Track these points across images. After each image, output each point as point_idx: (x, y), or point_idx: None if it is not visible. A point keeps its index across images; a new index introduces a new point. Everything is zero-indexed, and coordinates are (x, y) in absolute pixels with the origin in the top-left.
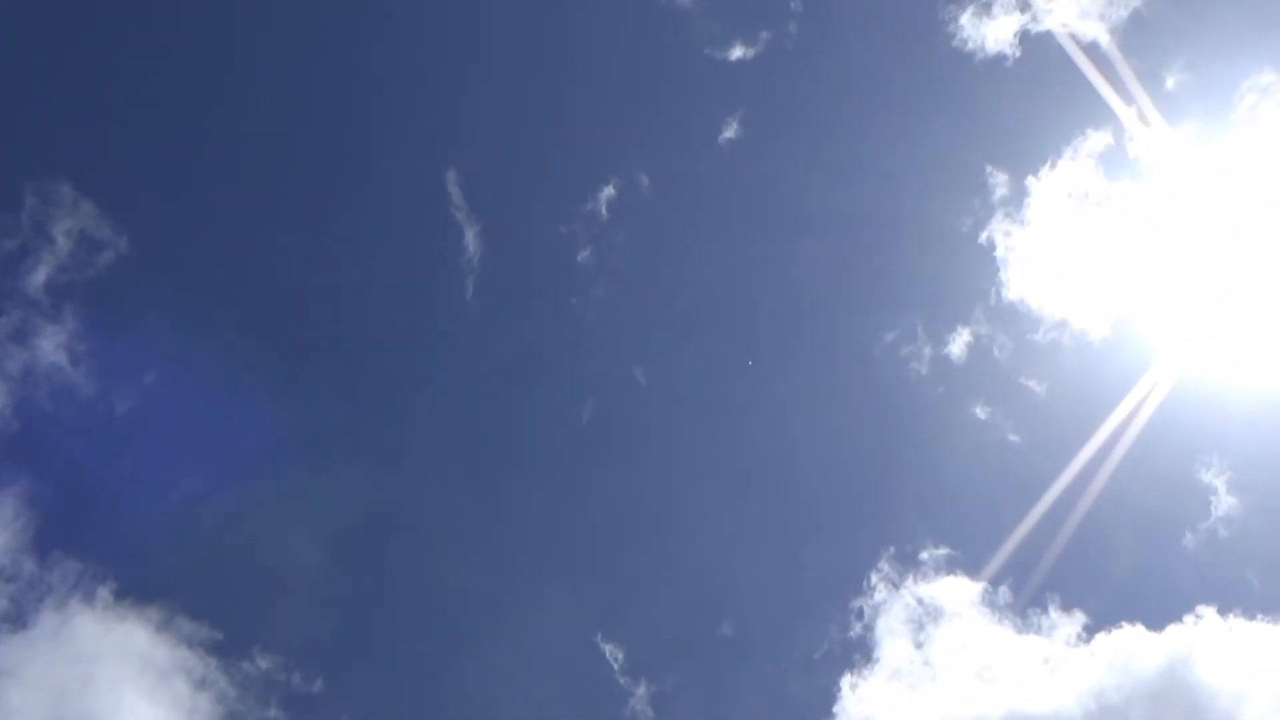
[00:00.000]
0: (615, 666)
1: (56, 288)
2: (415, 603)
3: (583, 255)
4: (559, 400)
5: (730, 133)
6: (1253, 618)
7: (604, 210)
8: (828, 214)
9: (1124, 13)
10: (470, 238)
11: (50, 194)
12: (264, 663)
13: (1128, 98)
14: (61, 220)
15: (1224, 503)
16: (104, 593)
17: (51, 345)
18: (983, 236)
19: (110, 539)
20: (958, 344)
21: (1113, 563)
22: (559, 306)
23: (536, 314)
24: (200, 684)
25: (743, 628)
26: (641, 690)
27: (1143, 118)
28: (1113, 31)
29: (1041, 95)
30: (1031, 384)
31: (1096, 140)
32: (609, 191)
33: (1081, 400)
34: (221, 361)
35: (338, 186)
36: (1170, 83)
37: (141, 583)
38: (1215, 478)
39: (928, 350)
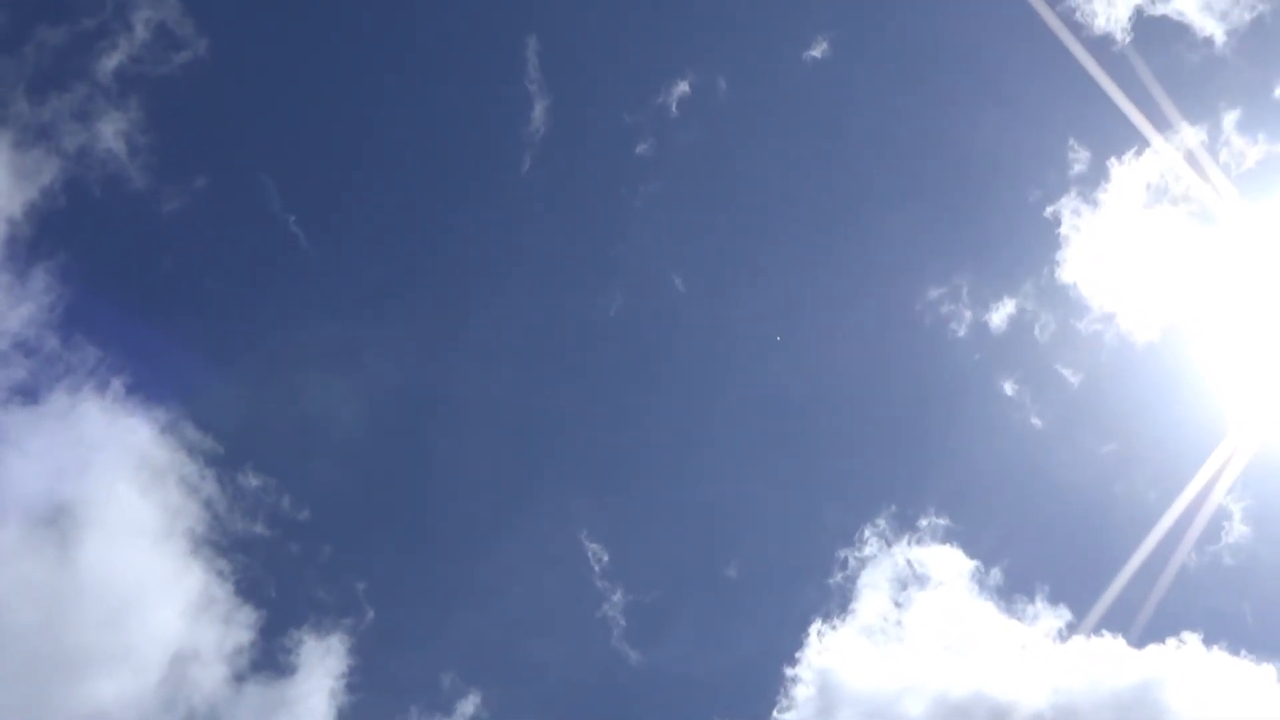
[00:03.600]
0: (596, 569)
1: (127, 76)
2: (422, 468)
3: (642, 148)
4: (591, 289)
5: (816, 52)
6: (1236, 653)
7: (674, 106)
8: (897, 153)
9: (1247, 15)
10: (538, 111)
11: None
12: (256, 481)
13: (1232, 100)
14: (143, 8)
15: (1236, 530)
16: (116, 385)
17: (111, 131)
18: (1049, 211)
19: (135, 335)
20: (1000, 314)
21: (1110, 568)
22: (610, 195)
23: (586, 199)
24: (193, 490)
25: (727, 557)
26: (618, 597)
27: (1244, 124)
28: (1230, 32)
29: (1143, 81)
30: (1066, 372)
31: (1190, 136)
32: (682, 88)
33: (1113, 399)
34: (278, 193)
35: (417, 34)
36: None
37: (155, 384)
38: (1233, 503)
39: (969, 314)
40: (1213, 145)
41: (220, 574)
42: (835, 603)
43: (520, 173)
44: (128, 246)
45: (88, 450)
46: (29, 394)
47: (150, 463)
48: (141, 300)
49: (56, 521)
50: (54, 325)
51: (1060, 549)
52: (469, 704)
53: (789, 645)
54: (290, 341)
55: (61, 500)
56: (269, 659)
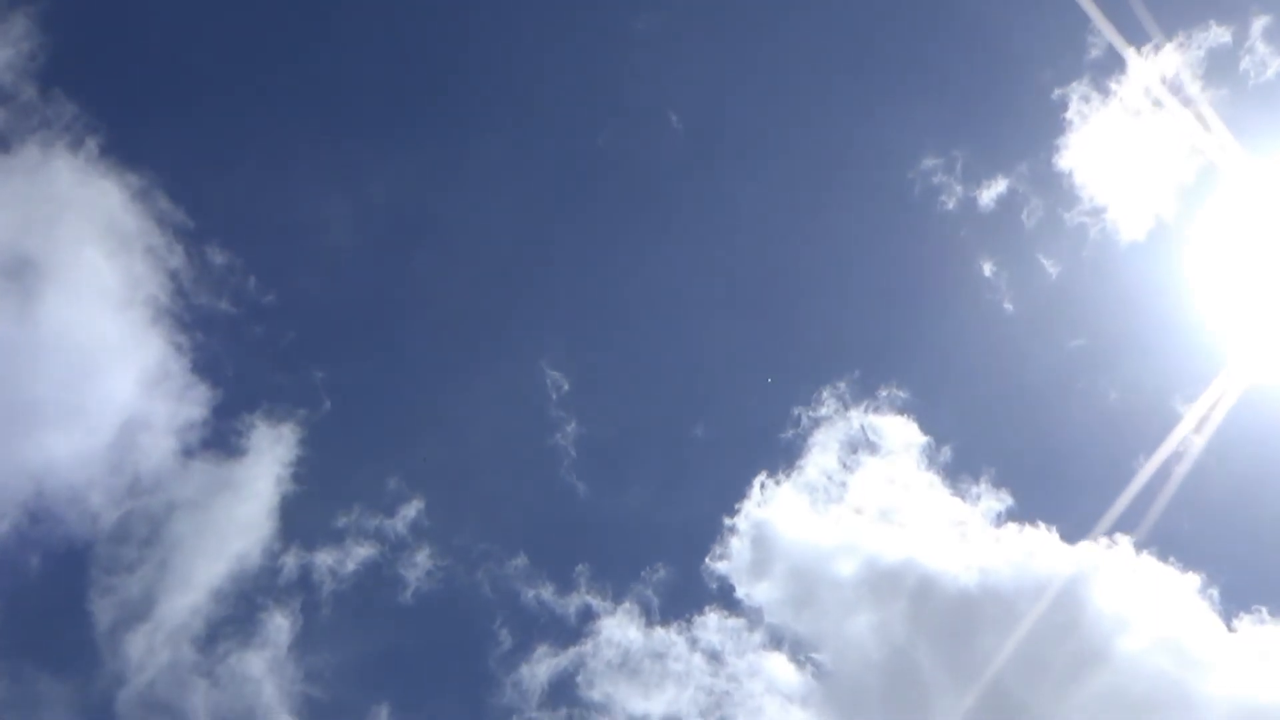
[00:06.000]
0: (554, 397)
1: None
2: (397, 277)
3: None
4: (583, 113)
5: None
6: (1164, 559)
7: None
8: (914, 16)
9: None
10: None
11: None
12: (223, 258)
13: (1265, 6)
14: None
15: (1190, 441)
16: (91, 145)
17: None
18: (1057, 93)
19: (116, 96)
20: (990, 193)
21: (1057, 462)
22: (612, 21)
23: (587, 20)
24: (159, 261)
25: (684, 401)
26: (571, 428)
27: (1271, 33)
28: None
29: None
30: (1047, 261)
31: (1215, 37)
32: None
33: (1089, 294)
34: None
35: None
36: None
37: (131, 149)
38: (1191, 415)
39: (960, 189)
40: (1236, 50)
41: (179, 348)
42: (783, 458)
43: None
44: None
45: (56, 207)
46: (1, 141)
47: (118, 228)
48: (129, 62)
49: (19, 275)
50: (32, 75)
51: (1012, 436)
52: (411, 509)
53: (731, 495)
54: (283, 137)
55: (25, 254)
56: (219, 439)
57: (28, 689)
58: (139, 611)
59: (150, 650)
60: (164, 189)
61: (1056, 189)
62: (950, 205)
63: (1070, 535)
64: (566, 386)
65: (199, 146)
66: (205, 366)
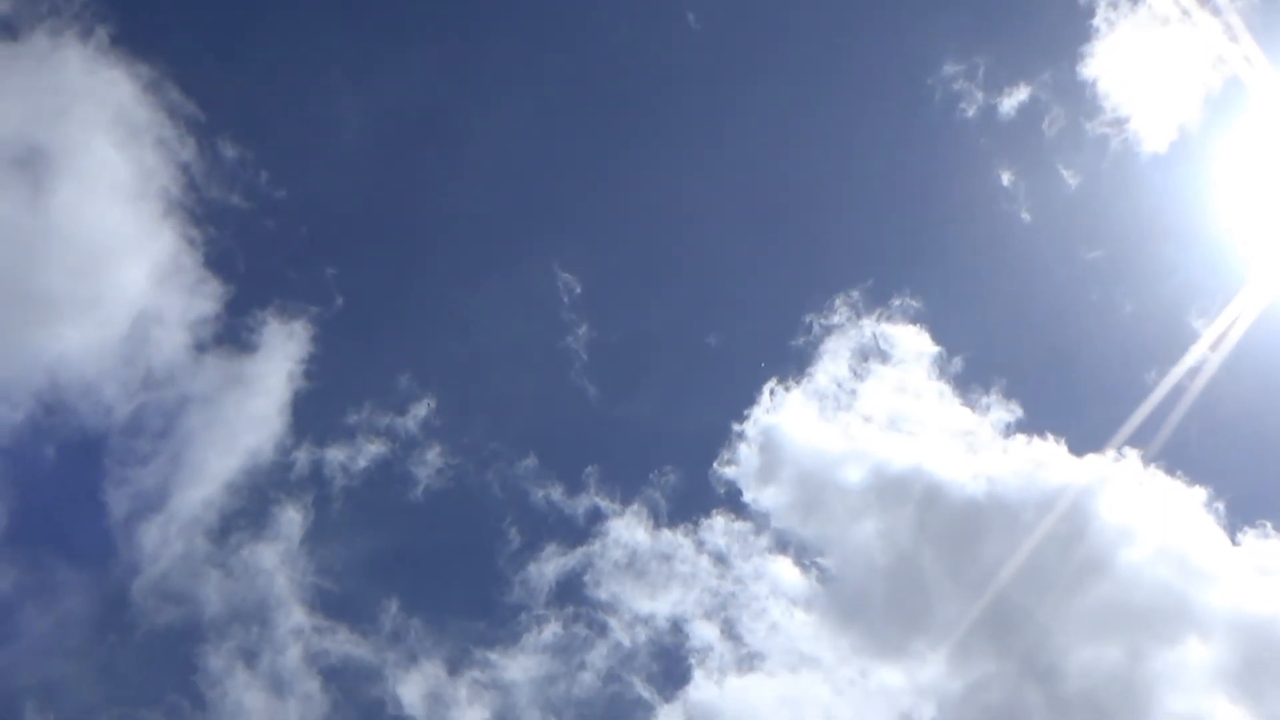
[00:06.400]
0: (565, 300)
1: None
2: (411, 176)
3: None
4: (599, 13)
5: None
6: (1172, 474)
7: None
8: None
9: None
10: None
11: None
12: (234, 152)
13: None
14: None
15: (1205, 356)
16: (102, 34)
17: None
18: None
19: None
20: (1012, 101)
21: (1069, 374)
22: None
23: None
24: (170, 153)
25: (696, 306)
26: (583, 331)
27: None
28: None
29: None
30: (1067, 172)
31: None
32: None
33: (1108, 206)
34: None
35: None
36: None
37: (144, 39)
38: (1207, 329)
39: (981, 97)
40: None
41: (191, 241)
42: (793, 365)
43: None
44: None
45: (66, 98)
46: (9, 29)
47: (128, 119)
48: None
49: (29, 165)
50: None
51: (1024, 348)
52: (422, 407)
53: (741, 401)
54: (297, 31)
55: (35, 144)
56: (231, 334)
57: (45, 578)
58: (153, 503)
59: (164, 541)
60: (175, 80)
61: (1079, 98)
62: (970, 113)
63: (1079, 448)
64: (578, 289)
65: (211, 38)
66: (217, 261)
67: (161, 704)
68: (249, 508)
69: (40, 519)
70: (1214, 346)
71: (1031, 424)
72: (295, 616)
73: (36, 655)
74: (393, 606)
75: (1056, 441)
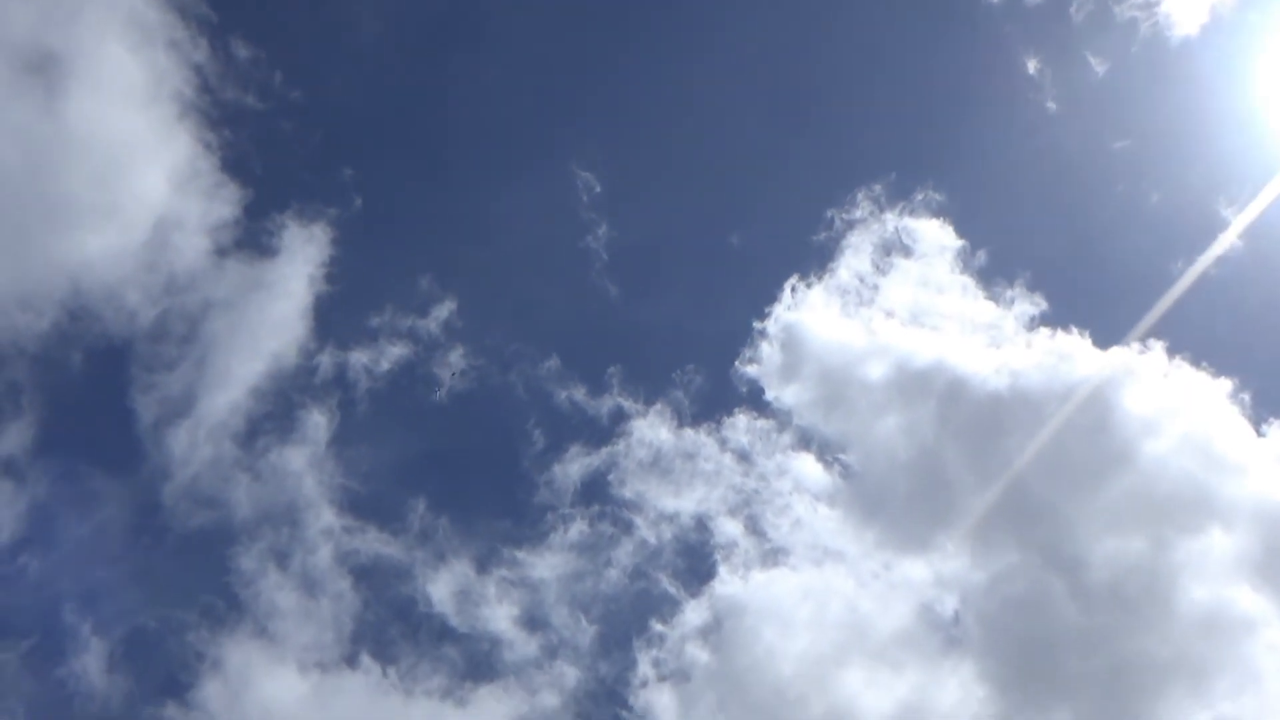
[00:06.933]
0: (584, 199)
1: None
2: (430, 75)
3: None
4: None
5: None
6: (1197, 365)
7: None
8: None
9: None
10: None
11: None
12: (247, 52)
13: None
14: None
15: (1232, 246)
16: None
17: None
18: None
19: None
20: None
21: (1094, 266)
22: None
23: None
24: (183, 55)
25: (716, 203)
26: (603, 230)
27: None
28: None
29: None
30: (1094, 60)
31: None
32: None
33: (1136, 93)
34: None
35: None
36: None
37: None
38: (1235, 218)
39: None
40: None
41: (207, 145)
42: (815, 261)
43: None
44: None
45: (77, 0)
46: None
47: (140, 20)
48: None
49: (42, 69)
50: None
51: (1049, 239)
52: (444, 309)
53: (762, 299)
54: None
55: (49, 49)
56: (251, 238)
57: (77, 486)
58: (180, 408)
59: (192, 445)
60: None
61: None
62: (996, 1)
63: (1103, 340)
64: (598, 188)
65: None
66: (234, 164)
67: (196, 605)
68: (275, 411)
69: (70, 425)
70: (1243, 235)
71: (1056, 317)
72: (325, 517)
73: (72, 561)
74: (420, 506)
75: (1081, 334)
